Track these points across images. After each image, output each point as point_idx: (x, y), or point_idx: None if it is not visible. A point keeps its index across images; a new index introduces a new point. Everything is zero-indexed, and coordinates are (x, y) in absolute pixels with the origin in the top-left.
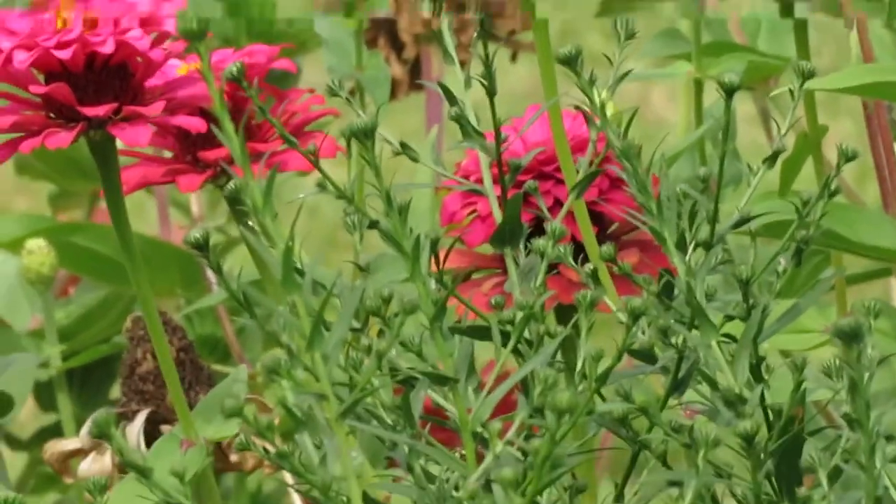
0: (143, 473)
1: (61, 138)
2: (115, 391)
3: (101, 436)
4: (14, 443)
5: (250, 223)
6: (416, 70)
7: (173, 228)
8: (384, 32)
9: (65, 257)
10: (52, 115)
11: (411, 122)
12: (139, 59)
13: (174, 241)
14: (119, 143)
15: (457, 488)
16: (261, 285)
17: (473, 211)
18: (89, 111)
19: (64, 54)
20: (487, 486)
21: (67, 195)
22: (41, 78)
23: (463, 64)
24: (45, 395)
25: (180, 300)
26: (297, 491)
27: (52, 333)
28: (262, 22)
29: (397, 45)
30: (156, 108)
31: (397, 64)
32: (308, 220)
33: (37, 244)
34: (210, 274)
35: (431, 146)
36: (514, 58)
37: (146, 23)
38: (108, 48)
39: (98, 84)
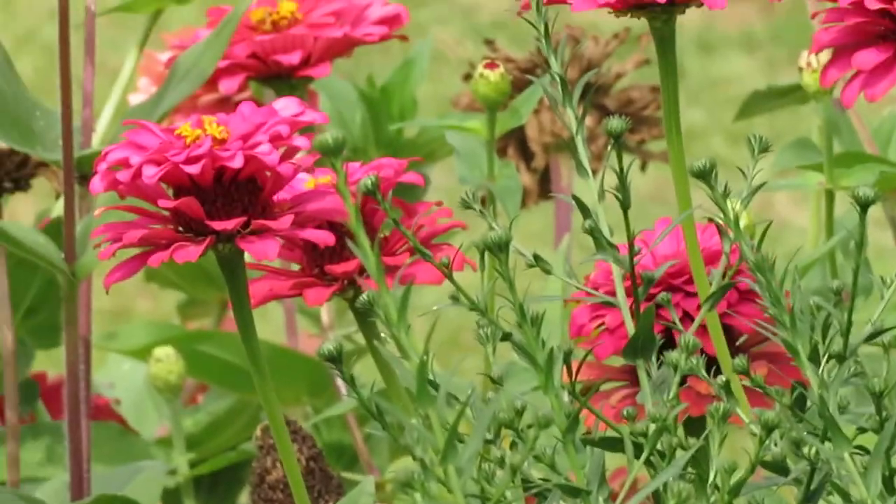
0: None
1: (190, 252)
2: (243, 498)
3: None
4: None
5: (381, 335)
6: (544, 178)
7: (301, 336)
8: (513, 141)
9: (193, 365)
10: (180, 228)
11: (535, 225)
12: (268, 173)
13: (302, 349)
14: (247, 256)
15: None
16: (387, 393)
17: (602, 324)
18: (218, 225)
19: (193, 169)
20: None
21: (196, 303)
22: (170, 192)
23: (594, 173)
24: (172, 502)
25: (307, 408)
26: None
27: (180, 441)
28: (391, 132)
29: (526, 155)
30: (284, 223)
31: (526, 173)
32: (430, 320)
33: (165, 352)
34: (340, 382)
35: (564, 258)
36: (643, 167)
37: (276, 138)
38: (237, 163)
39: (227, 198)
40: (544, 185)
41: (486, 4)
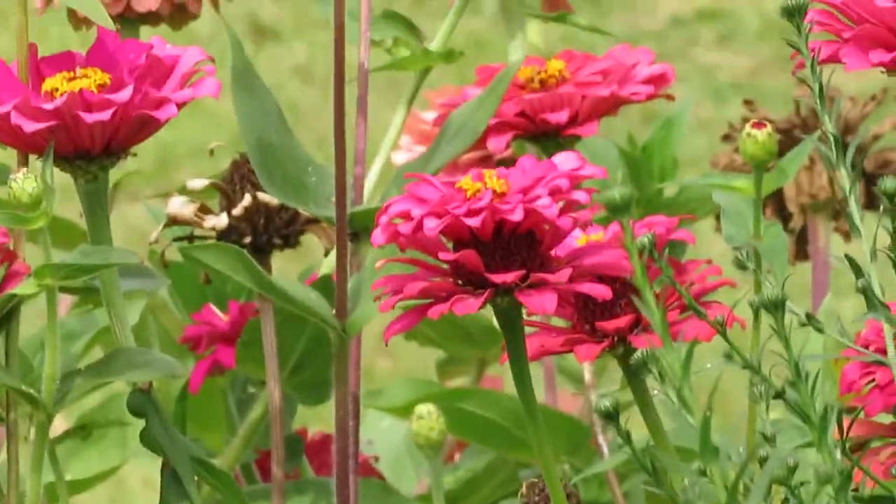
0: None
1: (469, 304)
2: None
3: None
4: None
5: (651, 392)
6: (801, 239)
7: (560, 394)
8: (771, 202)
9: (453, 423)
10: (459, 281)
11: (788, 287)
12: (546, 226)
13: (561, 407)
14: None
15: None
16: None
17: (872, 380)
18: (497, 278)
19: (474, 222)
20: None
21: (455, 361)
22: (449, 245)
23: (843, 233)
24: None
25: (566, 465)
26: None
27: (440, 498)
28: (652, 191)
29: (784, 215)
30: (563, 276)
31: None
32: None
33: (427, 409)
34: (601, 439)
35: (835, 317)
36: None
37: (556, 192)
38: (517, 216)
39: (506, 251)
40: (801, 246)
41: (724, 65)
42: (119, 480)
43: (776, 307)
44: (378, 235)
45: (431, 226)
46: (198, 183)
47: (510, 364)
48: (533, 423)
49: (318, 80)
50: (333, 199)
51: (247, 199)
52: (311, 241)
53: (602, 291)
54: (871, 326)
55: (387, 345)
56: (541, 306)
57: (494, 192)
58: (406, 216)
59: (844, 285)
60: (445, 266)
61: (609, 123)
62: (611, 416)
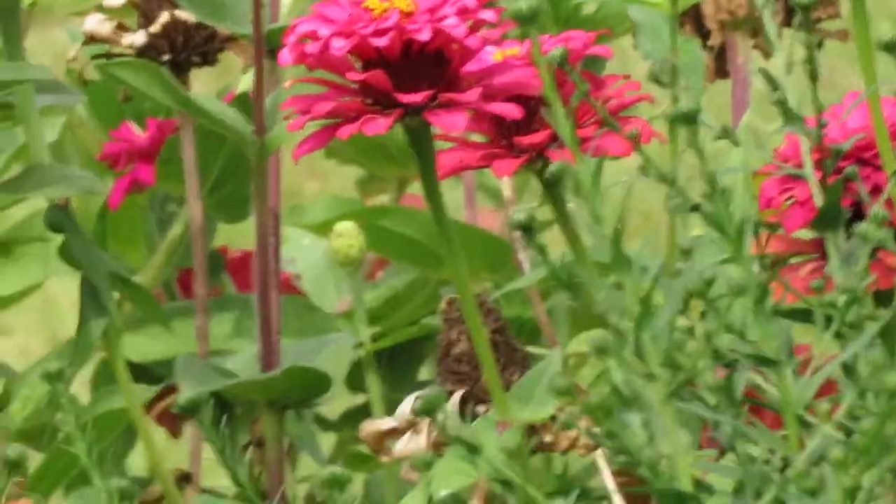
0: (473, 449)
1: (378, 124)
2: (422, 373)
3: (429, 412)
4: (323, 423)
5: (569, 206)
6: (720, 56)
7: (479, 212)
8: (690, 19)
9: (373, 240)
10: (368, 101)
11: (708, 104)
12: (455, 46)
13: (481, 225)
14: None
15: (778, 469)
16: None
17: (791, 196)
18: (406, 98)
19: (381, 42)
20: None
21: (375, 180)
22: (358, 65)
23: (762, 50)
24: (352, 376)
25: (486, 283)
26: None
27: (361, 315)
28: (569, 7)
29: (703, 32)
30: (472, 95)
31: (702, 51)
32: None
33: (346, 227)
34: (522, 256)
35: (751, 131)
36: (819, 45)
37: (463, 11)
38: (424, 36)
39: (414, 71)
40: (720, 63)
41: None
42: (48, 300)
43: (691, 120)
44: (285, 55)
45: (338, 46)
46: (115, 0)
47: (422, 183)
48: (446, 240)
49: None
50: (251, 15)
51: (164, 16)
52: (232, 60)
53: (511, 111)
54: (789, 142)
55: (296, 163)
56: (451, 125)
57: (401, 11)
58: (313, 36)
59: (767, 106)
60: (355, 86)
61: None
62: (525, 229)
